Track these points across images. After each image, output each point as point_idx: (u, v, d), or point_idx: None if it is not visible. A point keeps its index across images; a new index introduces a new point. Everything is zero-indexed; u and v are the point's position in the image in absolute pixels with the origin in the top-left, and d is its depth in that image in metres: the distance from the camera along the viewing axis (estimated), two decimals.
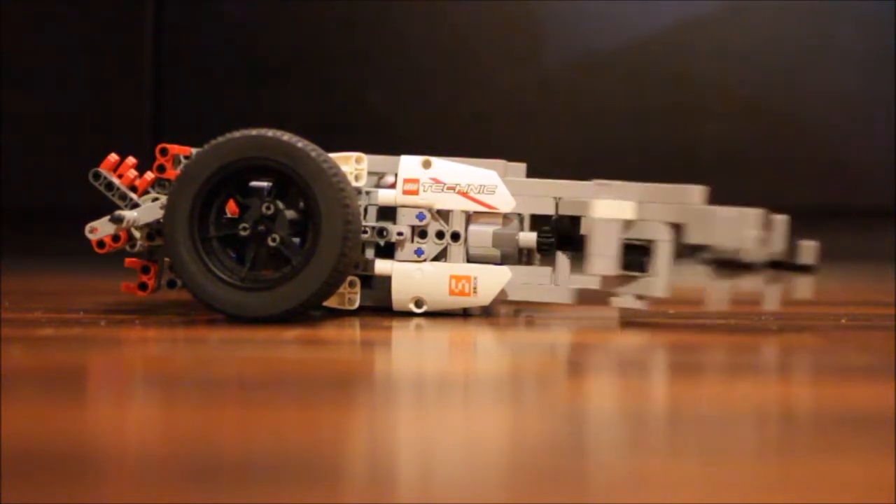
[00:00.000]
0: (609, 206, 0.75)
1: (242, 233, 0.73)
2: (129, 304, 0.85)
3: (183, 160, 0.76)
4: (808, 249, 0.72)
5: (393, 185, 0.80)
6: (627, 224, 0.75)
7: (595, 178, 0.78)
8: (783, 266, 0.73)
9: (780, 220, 0.72)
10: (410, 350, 0.69)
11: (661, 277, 0.74)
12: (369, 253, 0.79)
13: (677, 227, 0.74)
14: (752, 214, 0.72)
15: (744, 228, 0.72)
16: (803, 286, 0.72)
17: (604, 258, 0.74)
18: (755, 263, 0.72)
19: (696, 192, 0.75)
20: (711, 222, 0.72)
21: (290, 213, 0.73)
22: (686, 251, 0.76)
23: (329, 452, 0.39)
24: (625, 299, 0.76)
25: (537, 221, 0.81)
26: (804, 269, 0.72)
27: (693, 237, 0.73)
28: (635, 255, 0.75)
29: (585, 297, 0.78)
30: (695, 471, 0.37)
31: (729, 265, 0.72)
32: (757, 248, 0.72)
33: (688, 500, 0.33)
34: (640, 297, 0.76)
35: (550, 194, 0.79)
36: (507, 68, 1.62)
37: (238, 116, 1.16)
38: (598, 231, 0.75)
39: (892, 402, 0.48)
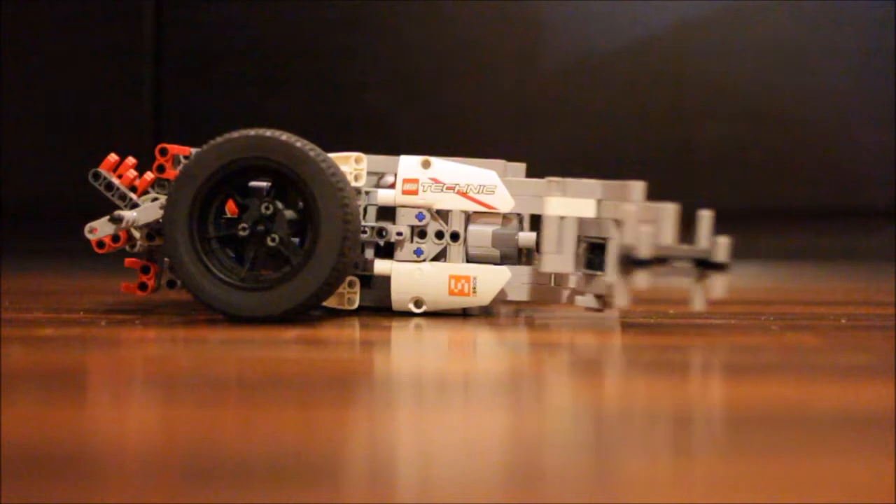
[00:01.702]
0: (563, 204, 0.74)
1: (241, 233, 0.73)
2: (129, 304, 0.85)
3: (183, 160, 0.76)
4: (722, 246, 0.69)
5: (392, 185, 0.80)
6: (586, 222, 0.74)
7: (593, 178, 0.79)
8: (699, 263, 0.70)
9: (706, 216, 0.70)
10: (410, 350, 0.69)
11: (611, 276, 0.71)
12: (369, 253, 0.79)
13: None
14: (655, 209, 0.70)
15: (644, 224, 0.70)
16: (718, 284, 0.69)
17: (557, 256, 0.73)
18: (649, 259, 0.69)
19: (637, 188, 0.73)
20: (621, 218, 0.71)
21: (289, 213, 0.73)
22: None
23: (329, 452, 0.39)
24: (586, 299, 0.76)
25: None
26: (718, 267, 0.69)
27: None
28: (597, 255, 0.74)
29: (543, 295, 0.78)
30: (695, 471, 0.37)
31: (627, 261, 0.70)
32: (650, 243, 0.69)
33: (688, 500, 0.33)
34: (598, 297, 0.75)
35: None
36: (507, 68, 1.62)
37: (238, 116, 1.16)
38: (550, 229, 0.74)
39: (892, 402, 0.48)
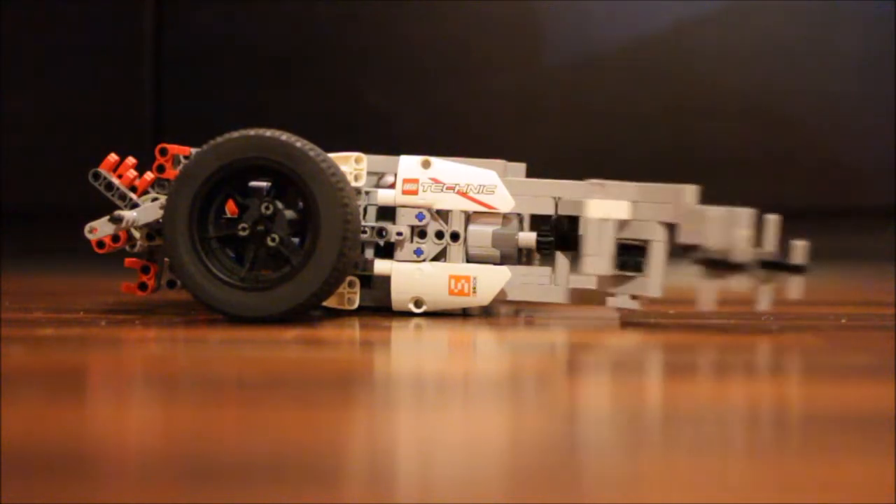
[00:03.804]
0: (603, 206, 0.75)
1: (241, 233, 0.73)
2: (129, 304, 0.85)
3: (183, 160, 0.76)
4: (800, 249, 0.72)
5: (392, 185, 0.80)
6: (622, 224, 0.75)
7: (594, 178, 0.78)
8: (774, 266, 0.72)
9: (773, 220, 0.72)
10: (410, 350, 0.69)
11: (655, 277, 0.74)
12: (369, 253, 0.79)
13: (671, 227, 0.74)
14: (743, 214, 0.72)
15: (734, 228, 0.71)
16: (795, 286, 0.71)
17: (598, 258, 0.74)
18: (745, 263, 0.71)
19: (689, 192, 0.74)
20: (702, 222, 0.72)
21: (289, 213, 0.73)
22: (680, 251, 0.75)
23: (329, 452, 0.39)
24: (620, 299, 0.76)
25: (537, 222, 0.81)
26: (795, 269, 0.72)
27: (684, 237, 0.73)
28: (631, 256, 0.75)
29: (583, 298, 0.78)
30: (694, 471, 0.37)
31: (719, 265, 0.71)
32: (747, 247, 0.71)
33: (687, 500, 0.33)
34: (634, 297, 0.76)
35: (550, 194, 0.79)
36: (507, 68, 1.62)
37: (238, 116, 1.16)
38: (591, 231, 0.75)
39: (892, 402, 0.48)
